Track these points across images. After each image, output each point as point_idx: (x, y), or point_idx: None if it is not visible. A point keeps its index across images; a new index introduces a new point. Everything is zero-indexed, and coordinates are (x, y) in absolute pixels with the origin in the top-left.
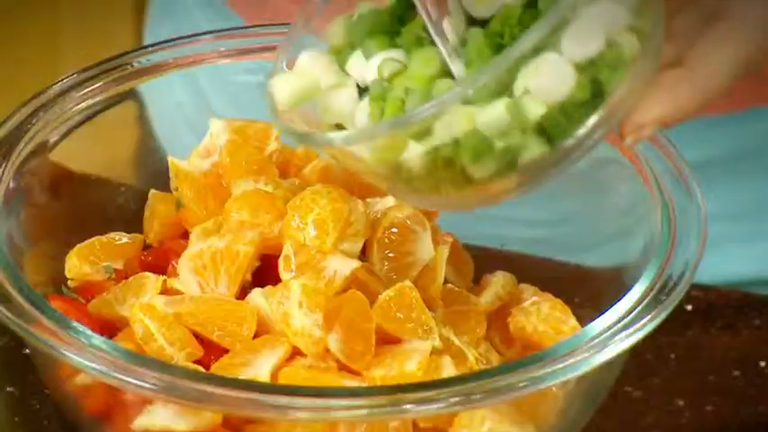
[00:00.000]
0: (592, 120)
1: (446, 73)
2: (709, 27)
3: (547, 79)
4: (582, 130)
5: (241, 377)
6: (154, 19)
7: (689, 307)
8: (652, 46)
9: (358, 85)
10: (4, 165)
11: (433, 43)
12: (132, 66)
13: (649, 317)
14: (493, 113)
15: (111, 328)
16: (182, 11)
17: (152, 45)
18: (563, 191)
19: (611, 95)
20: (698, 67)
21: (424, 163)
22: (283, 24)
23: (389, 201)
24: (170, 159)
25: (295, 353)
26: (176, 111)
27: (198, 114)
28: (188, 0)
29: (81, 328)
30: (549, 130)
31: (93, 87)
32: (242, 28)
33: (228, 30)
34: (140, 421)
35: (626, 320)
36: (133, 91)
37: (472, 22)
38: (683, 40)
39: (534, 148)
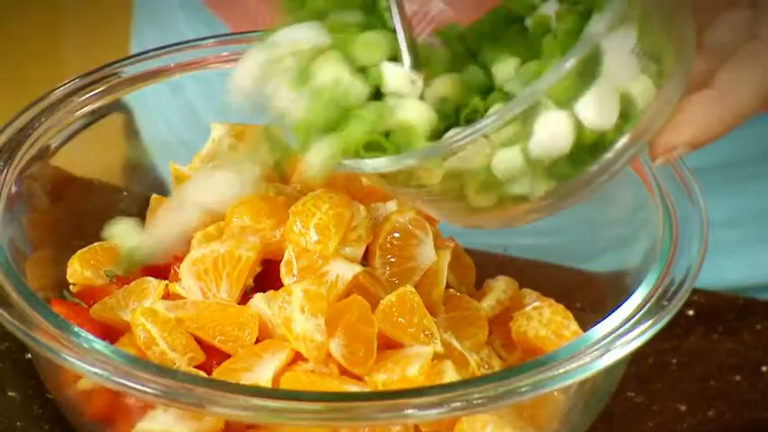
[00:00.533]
0: (609, 154)
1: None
2: (741, 47)
3: (545, 136)
4: (602, 161)
5: (243, 382)
6: (140, 22)
7: (690, 312)
8: (680, 70)
9: None
10: (5, 170)
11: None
12: (132, 72)
13: (651, 322)
14: (509, 157)
15: (112, 332)
16: (166, 13)
17: (154, 50)
18: None
19: (634, 129)
20: (728, 90)
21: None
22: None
23: (391, 206)
24: (171, 164)
25: (297, 358)
26: (164, 118)
27: (185, 123)
28: (172, 3)
29: (83, 332)
30: (556, 173)
31: (94, 92)
32: (234, 34)
33: (223, 35)
34: (142, 426)
35: (627, 325)
36: (132, 97)
37: None
38: (714, 56)
39: (541, 187)
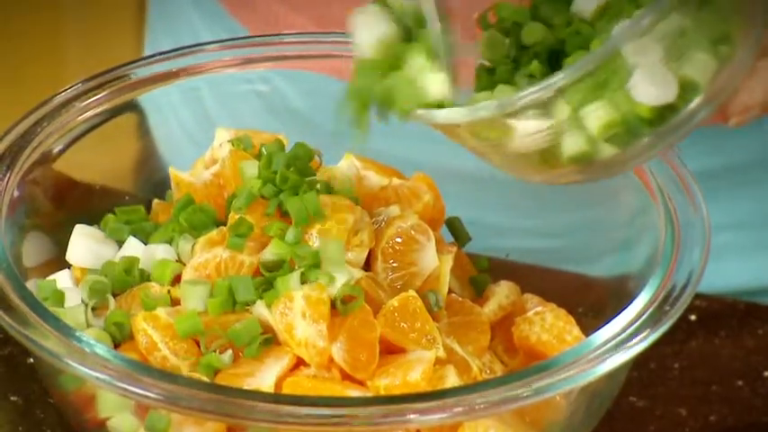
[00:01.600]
0: (676, 119)
1: None
2: None
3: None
4: (668, 126)
5: (245, 387)
6: (153, 20)
7: (693, 316)
8: (751, 37)
9: None
10: (8, 174)
11: None
12: (136, 75)
13: (653, 327)
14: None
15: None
16: (179, 10)
17: (156, 54)
18: (567, 202)
19: (701, 96)
20: None
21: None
22: (284, 34)
23: (394, 210)
24: (171, 170)
25: (299, 362)
26: (177, 121)
27: (198, 125)
28: (185, 2)
29: (84, 337)
30: (615, 141)
31: (97, 97)
32: (245, 38)
33: (231, 39)
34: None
35: (630, 330)
36: (136, 101)
37: None
38: None
39: (605, 151)
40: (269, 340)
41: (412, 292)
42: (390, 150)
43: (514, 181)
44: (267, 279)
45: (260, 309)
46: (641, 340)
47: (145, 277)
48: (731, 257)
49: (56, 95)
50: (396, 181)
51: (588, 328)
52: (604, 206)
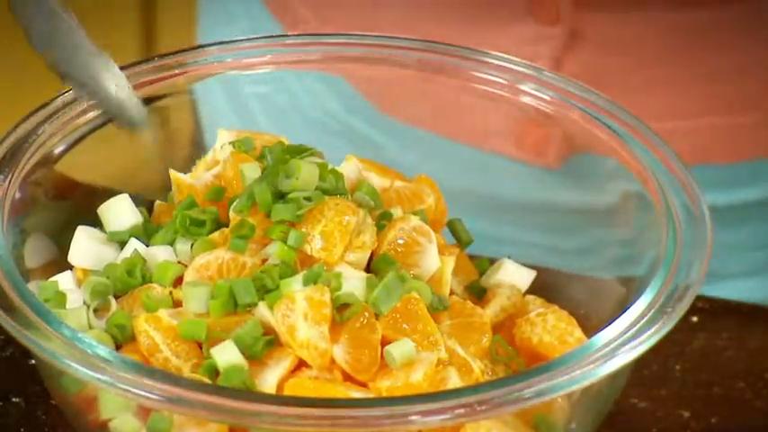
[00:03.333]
0: None
1: None
2: None
3: None
4: None
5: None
6: (203, 15)
7: (695, 318)
8: None
9: None
10: (10, 176)
11: None
12: (138, 77)
13: (655, 328)
14: None
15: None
16: (228, 15)
17: (158, 56)
18: (572, 212)
19: None
20: None
21: None
22: (287, 35)
23: (397, 212)
24: (171, 172)
25: (301, 364)
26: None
27: (200, 126)
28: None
29: (86, 338)
30: None
31: None
32: (246, 39)
33: (232, 41)
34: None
35: (632, 332)
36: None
37: None
38: None
39: None
40: (271, 342)
41: (414, 294)
42: (393, 158)
43: (523, 199)
44: (268, 280)
45: (262, 310)
46: (643, 342)
47: (147, 279)
48: (736, 274)
49: (57, 96)
50: (398, 183)
51: (590, 329)
52: (608, 211)
